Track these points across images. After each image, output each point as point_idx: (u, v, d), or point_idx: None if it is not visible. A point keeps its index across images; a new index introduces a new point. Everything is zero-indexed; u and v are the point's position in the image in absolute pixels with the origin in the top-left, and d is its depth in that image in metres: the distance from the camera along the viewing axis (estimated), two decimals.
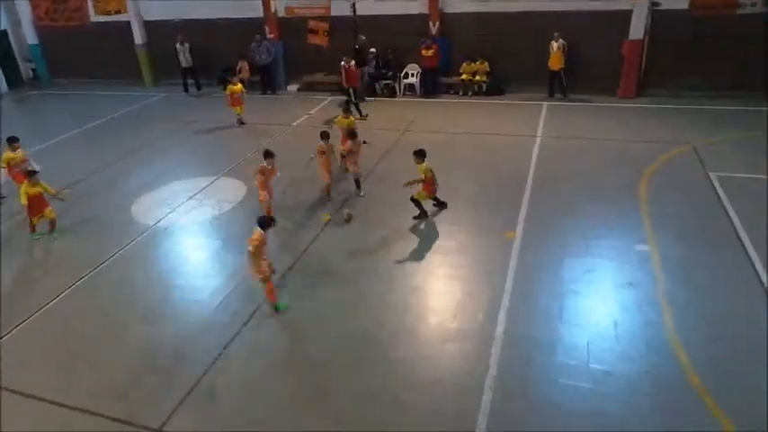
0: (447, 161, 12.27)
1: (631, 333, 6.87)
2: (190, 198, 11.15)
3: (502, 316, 7.24)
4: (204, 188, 11.58)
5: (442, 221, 9.72)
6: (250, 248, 7.10)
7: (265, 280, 7.38)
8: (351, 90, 15.81)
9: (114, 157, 13.67)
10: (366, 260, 8.69)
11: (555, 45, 15.52)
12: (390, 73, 17.69)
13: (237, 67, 18.39)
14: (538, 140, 13.08)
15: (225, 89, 15.62)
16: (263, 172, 9.69)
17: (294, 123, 15.58)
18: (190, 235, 9.90)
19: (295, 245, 9.21)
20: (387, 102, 17.21)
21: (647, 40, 15.25)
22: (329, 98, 17.73)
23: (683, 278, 7.78)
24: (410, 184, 9.40)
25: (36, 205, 9.67)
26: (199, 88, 19.68)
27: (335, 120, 12.75)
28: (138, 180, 12.14)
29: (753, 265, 7.93)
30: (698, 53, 14.76)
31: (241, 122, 15.52)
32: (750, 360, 6.30)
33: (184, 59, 19.00)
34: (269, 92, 18.74)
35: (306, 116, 16.15)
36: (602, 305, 7.40)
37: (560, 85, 16.09)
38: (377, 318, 7.40)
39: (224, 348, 6.97)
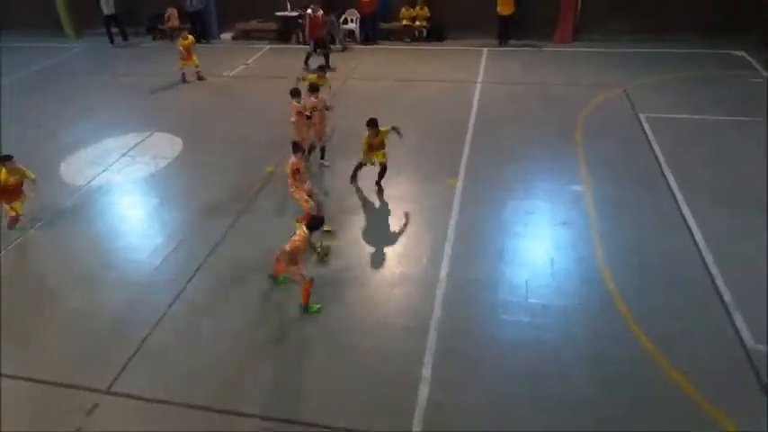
0: (389, 109, 12.19)
1: (566, 268, 7.26)
2: (123, 155, 10.68)
3: (445, 260, 7.47)
4: (137, 144, 11.10)
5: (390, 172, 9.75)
6: (287, 248, 6.28)
7: (303, 280, 6.56)
8: (313, 43, 14.85)
9: (36, 116, 12.80)
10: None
11: None
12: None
13: (166, 15, 17.35)
14: (478, 86, 13.18)
15: (154, 39, 14.77)
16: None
17: (231, 74, 15.00)
18: (125, 194, 9.54)
19: (228, 211, 9.06)
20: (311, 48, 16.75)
21: None
22: (267, 47, 17.11)
23: (613, 215, 8.21)
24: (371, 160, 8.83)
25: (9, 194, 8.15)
26: (125, 38, 18.46)
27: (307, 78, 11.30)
28: (65, 139, 11.47)
29: (675, 199, 8.47)
30: None
31: (200, 77, 14.53)
32: (670, 287, 6.82)
33: (106, 6, 17.66)
34: (202, 41, 17.81)
35: (243, 66, 15.57)
36: (540, 244, 7.75)
37: (508, 32, 15.98)
38: (322, 265, 7.47)
39: (168, 307, 6.89)
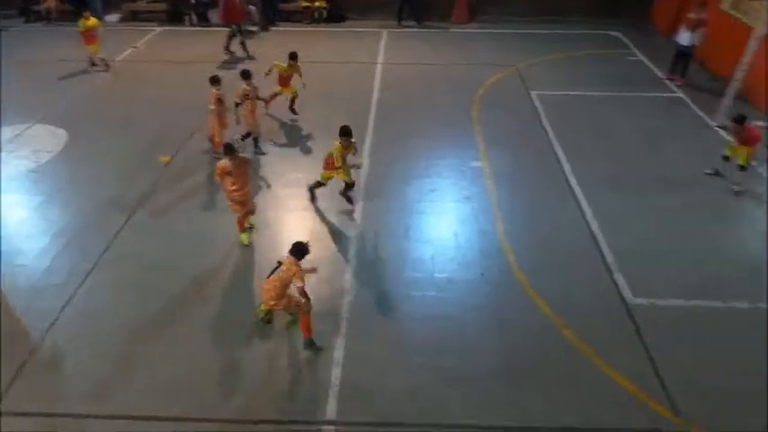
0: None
1: (469, 242, 7.60)
2: None
3: (353, 242, 7.56)
4: (15, 137, 10.14)
5: (291, 154, 9.64)
6: (299, 284, 5.53)
7: (304, 311, 5.91)
8: (233, 27, 13.85)
9: None
10: (213, 197, 8.42)
11: None
12: None
13: None
14: (379, 67, 13.28)
15: (27, 21, 13.39)
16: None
17: (119, 58, 14.01)
18: (3, 193, 8.70)
19: (123, 204, 8.58)
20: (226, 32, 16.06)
21: None
22: (157, 29, 16.12)
23: (510, 188, 8.68)
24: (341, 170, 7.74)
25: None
26: None
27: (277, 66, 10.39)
28: None
29: (563, 170, 9.10)
30: None
31: (106, 65, 13.21)
32: (562, 254, 7.35)
33: None
34: None
35: (131, 50, 14.58)
36: (444, 220, 8.04)
37: (411, 12, 16.13)
38: (230, 255, 7.31)
39: (60, 312, 6.43)
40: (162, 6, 16.68)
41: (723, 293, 6.63)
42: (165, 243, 7.54)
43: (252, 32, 15.28)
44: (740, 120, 8.39)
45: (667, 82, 12.37)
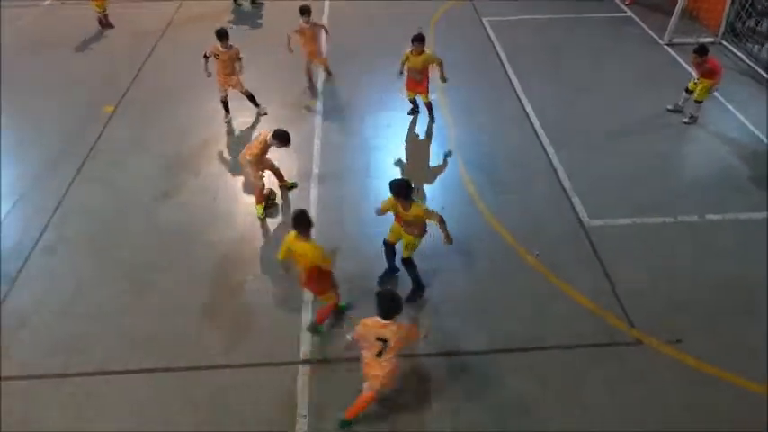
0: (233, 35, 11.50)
1: (430, 175, 7.62)
2: None
3: (314, 183, 7.47)
4: None
5: (240, 97, 9.28)
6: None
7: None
8: None
9: None
10: (163, 144, 8.13)
11: None
12: None
13: None
14: (327, 3, 12.69)
15: None
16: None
17: (45, 2, 12.93)
18: None
19: (69, 157, 8.17)
20: None
21: None
22: None
23: (467, 118, 8.68)
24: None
25: None
26: None
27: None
28: None
29: (518, 96, 9.14)
30: None
31: (106, 23, 11.61)
32: (520, 182, 7.49)
33: None
34: None
35: None
36: (402, 156, 8.00)
37: None
38: (188, 200, 7.16)
39: (18, 273, 6.22)
40: None
41: (674, 209, 6.93)
42: (117, 195, 7.29)
43: None
44: (701, 51, 7.96)
45: (617, 2, 12.32)
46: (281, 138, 6.60)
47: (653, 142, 8.14)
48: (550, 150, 7.96)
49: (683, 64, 9.91)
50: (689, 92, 8.38)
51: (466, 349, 5.43)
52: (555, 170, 7.61)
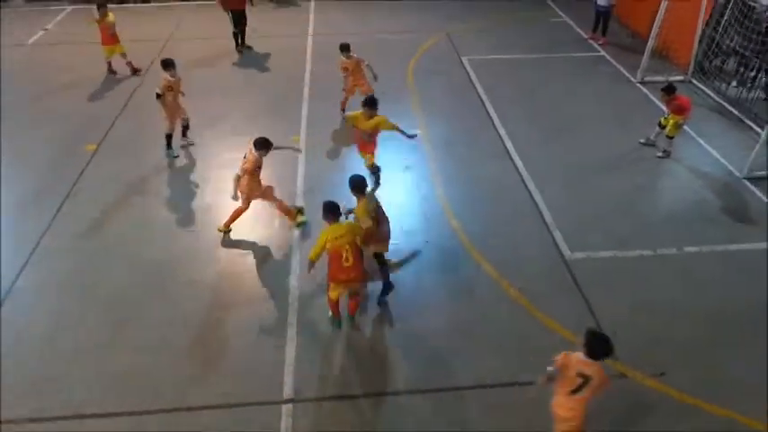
0: (221, 69, 11.68)
1: (413, 209, 7.71)
2: None
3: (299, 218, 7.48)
4: None
5: (228, 134, 9.35)
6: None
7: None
8: (232, 16, 11.98)
9: None
10: (150, 186, 8.10)
11: None
12: None
13: None
14: (310, 39, 12.99)
15: None
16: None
17: (30, 41, 13.01)
18: None
19: (50, 195, 8.10)
20: (140, 9, 15.21)
21: None
22: (68, 8, 15.01)
23: (448, 153, 8.82)
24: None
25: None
26: None
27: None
28: None
29: (498, 132, 9.34)
30: None
31: (134, 69, 11.27)
32: (502, 215, 7.59)
33: None
34: None
35: (42, 32, 13.55)
36: (388, 190, 8.06)
37: None
38: (172, 240, 7.09)
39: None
40: None
41: (653, 242, 7.06)
42: (97, 232, 7.21)
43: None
44: (668, 90, 8.40)
45: (591, 42, 12.80)
46: (261, 144, 6.80)
47: (629, 176, 8.35)
48: (531, 185, 8.11)
49: (655, 101, 10.26)
50: (662, 126, 8.67)
51: (450, 385, 5.38)
52: (536, 204, 7.74)
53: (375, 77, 9.44)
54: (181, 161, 8.69)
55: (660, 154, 8.75)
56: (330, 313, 5.94)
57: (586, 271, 6.65)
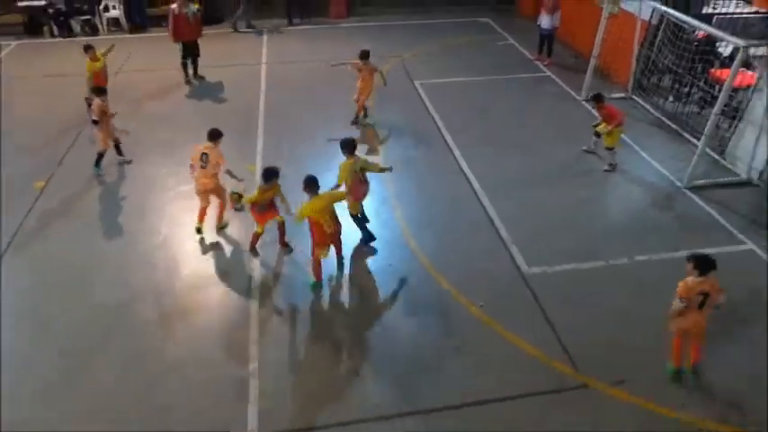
0: (172, 99, 11.56)
1: (375, 233, 7.74)
2: None
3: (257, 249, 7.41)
4: None
5: (182, 165, 9.17)
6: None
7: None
8: (184, 46, 11.98)
9: None
10: (98, 218, 7.89)
11: None
12: (86, 7, 15.33)
13: None
14: (264, 68, 13.03)
15: None
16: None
17: None
18: None
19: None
20: (90, 41, 14.83)
21: None
22: (13, 43, 14.61)
23: (406, 175, 8.94)
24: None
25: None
26: None
27: None
28: None
29: (453, 153, 9.59)
30: None
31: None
32: (459, 233, 7.74)
33: None
34: None
35: None
36: (346, 217, 8.08)
37: (298, 9, 15.93)
38: (126, 282, 6.88)
39: None
40: (17, 18, 15.14)
41: (605, 253, 7.31)
42: (49, 271, 6.96)
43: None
44: (596, 98, 9.00)
45: (537, 63, 13.31)
46: (214, 134, 7.35)
47: (578, 190, 8.66)
48: (486, 201, 8.30)
49: (599, 118, 10.71)
50: (597, 134, 9.18)
51: (417, 408, 5.38)
52: (492, 221, 7.92)
53: (384, 83, 10.47)
54: (133, 195, 8.51)
55: (606, 167, 9.13)
56: (313, 280, 6.66)
57: (544, 284, 6.82)
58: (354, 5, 16.79)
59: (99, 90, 8.70)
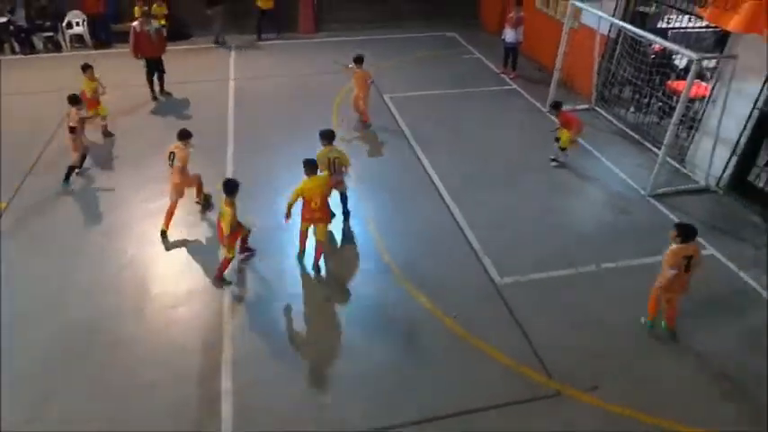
0: (139, 116, 11.41)
1: (347, 249, 7.77)
2: None
3: (228, 268, 7.30)
4: None
5: (150, 181, 9.06)
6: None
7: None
8: (148, 63, 11.86)
9: None
10: (69, 243, 7.69)
11: None
12: (49, 23, 15.02)
13: None
14: (232, 84, 12.96)
15: None
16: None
17: None
18: None
19: None
20: (53, 58, 14.63)
21: None
22: None
23: (377, 187, 9.02)
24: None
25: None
26: None
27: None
28: None
29: (423, 165, 9.69)
30: None
31: (106, 131, 10.44)
32: (432, 246, 7.80)
33: None
34: None
35: None
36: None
37: (269, 24, 15.87)
38: (94, 304, 6.70)
39: None
40: None
41: (574, 261, 7.47)
42: (10, 297, 6.72)
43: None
44: (555, 106, 9.59)
45: (503, 76, 13.59)
46: (183, 134, 7.79)
47: (545, 199, 8.85)
48: (456, 212, 8.41)
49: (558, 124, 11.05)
50: (557, 140, 9.65)
51: (393, 423, 5.38)
52: (463, 232, 8.01)
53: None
54: (99, 212, 8.34)
55: (552, 158, 9.76)
56: (298, 249, 7.40)
57: (517, 294, 6.92)
58: (323, 21, 16.87)
59: (74, 99, 8.79)
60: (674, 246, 5.85)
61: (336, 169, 7.66)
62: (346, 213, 8.26)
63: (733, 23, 7.03)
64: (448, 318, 6.56)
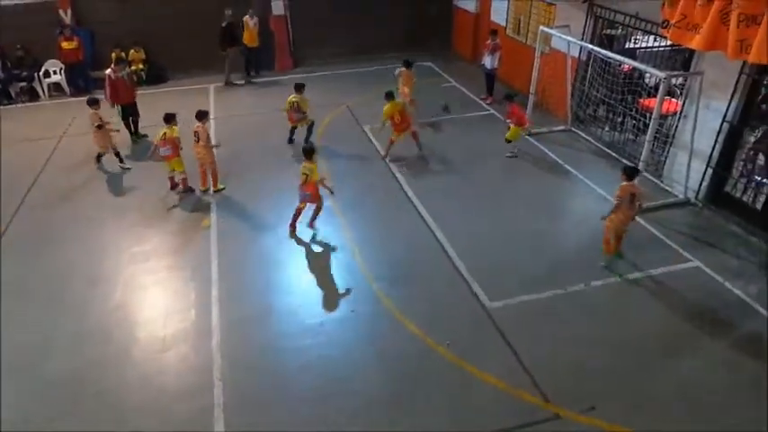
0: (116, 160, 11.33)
1: (333, 280, 7.72)
2: None
3: (214, 306, 7.22)
4: None
5: (132, 225, 8.98)
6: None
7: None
8: (123, 108, 11.99)
9: None
10: (49, 288, 7.54)
11: (251, 22, 15.40)
12: (25, 74, 15.03)
13: None
14: (213, 122, 12.96)
15: None
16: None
17: None
18: None
19: None
20: (31, 107, 14.60)
21: (288, 16, 16.48)
22: None
23: (362, 219, 9.01)
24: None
25: None
26: None
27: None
28: None
29: (406, 194, 9.73)
30: (337, 24, 16.61)
31: (186, 187, 9.95)
32: (418, 273, 7.78)
33: None
34: None
35: None
36: (304, 267, 8.04)
37: (254, 63, 16.04)
38: (79, 353, 6.53)
39: None
40: None
41: (563, 281, 7.48)
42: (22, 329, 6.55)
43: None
44: (507, 97, 10.77)
45: (480, 102, 13.83)
46: (201, 115, 9.53)
47: (529, 220, 8.91)
48: (441, 237, 8.42)
49: (543, 148, 11.20)
50: (508, 141, 10.82)
51: None
52: (449, 257, 8.00)
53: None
54: (84, 258, 8.19)
55: (508, 154, 10.78)
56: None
57: (507, 317, 6.89)
58: (299, 57, 17.10)
59: (93, 101, 10.51)
60: (623, 183, 7.23)
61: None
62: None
63: (695, 42, 7.25)
64: (440, 346, 6.49)
